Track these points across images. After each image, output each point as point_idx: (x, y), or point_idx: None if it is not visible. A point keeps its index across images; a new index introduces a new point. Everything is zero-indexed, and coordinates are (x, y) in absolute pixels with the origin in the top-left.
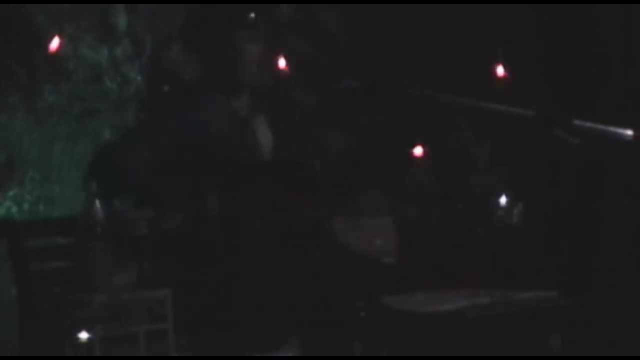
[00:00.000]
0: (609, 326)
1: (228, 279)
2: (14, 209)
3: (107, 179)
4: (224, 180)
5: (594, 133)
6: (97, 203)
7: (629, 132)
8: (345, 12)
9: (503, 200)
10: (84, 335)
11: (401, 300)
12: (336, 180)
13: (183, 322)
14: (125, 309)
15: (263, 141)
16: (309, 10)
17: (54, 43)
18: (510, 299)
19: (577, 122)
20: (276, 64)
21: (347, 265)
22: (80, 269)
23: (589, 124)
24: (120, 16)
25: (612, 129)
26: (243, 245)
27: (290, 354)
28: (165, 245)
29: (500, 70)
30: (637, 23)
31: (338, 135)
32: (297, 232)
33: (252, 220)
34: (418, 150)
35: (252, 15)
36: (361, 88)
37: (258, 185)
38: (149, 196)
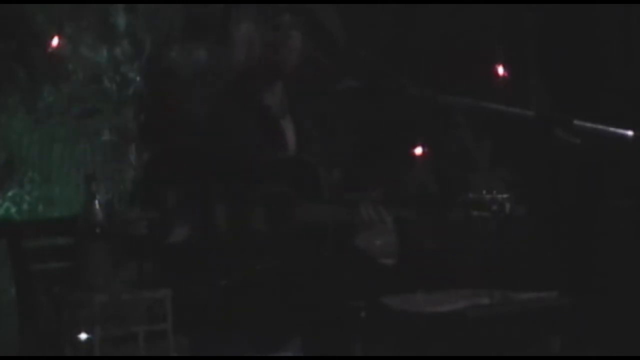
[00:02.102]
0: (609, 326)
1: (229, 278)
2: (14, 209)
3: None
4: (230, 179)
5: (594, 133)
6: (97, 203)
7: (629, 132)
8: (345, 12)
9: (503, 200)
10: (83, 335)
11: (401, 300)
12: (337, 179)
13: (183, 322)
14: (125, 309)
15: (289, 143)
16: (309, 10)
17: (54, 43)
18: (510, 299)
19: (577, 122)
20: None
21: (347, 265)
22: (80, 269)
23: (589, 124)
24: (120, 16)
25: (612, 129)
26: (245, 246)
27: (290, 354)
28: (166, 245)
29: (500, 70)
30: (637, 23)
31: (338, 135)
32: (302, 232)
33: (255, 220)
34: (418, 150)
35: None
36: (361, 88)
37: (262, 184)
38: (153, 196)
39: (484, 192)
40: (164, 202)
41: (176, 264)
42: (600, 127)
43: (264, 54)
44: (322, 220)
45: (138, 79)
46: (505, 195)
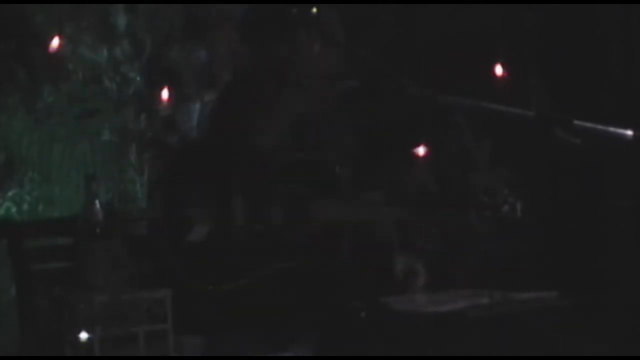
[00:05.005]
0: (609, 326)
1: (232, 278)
2: (14, 209)
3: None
4: (248, 179)
5: (594, 133)
6: (97, 203)
7: (629, 132)
8: (345, 12)
9: (503, 200)
10: (84, 335)
11: (401, 301)
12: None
13: (183, 323)
14: (125, 309)
15: (314, 144)
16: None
17: (54, 43)
18: (510, 299)
19: (577, 122)
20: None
21: (347, 265)
22: (80, 269)
23: (589, 124)
24: (120, 16)
25: (612, 129)
26: (262, 245)
27: (290, 354)
28: (166, 245)
29: (500, 70)
30: (637, 23)
31: (338, 136)
32: (319, 233)
33: (272, 220)
34: (418, 150)
35: (314, 11)
36: (361, 88)
37: (280, 185)
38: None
39: (484, 192)
40: (182, 201)
41: (187, 263)
42: (600, 127)
43: (277, 65)
44: (339, 219)
45: (138, 79)
46: (505, 195)
